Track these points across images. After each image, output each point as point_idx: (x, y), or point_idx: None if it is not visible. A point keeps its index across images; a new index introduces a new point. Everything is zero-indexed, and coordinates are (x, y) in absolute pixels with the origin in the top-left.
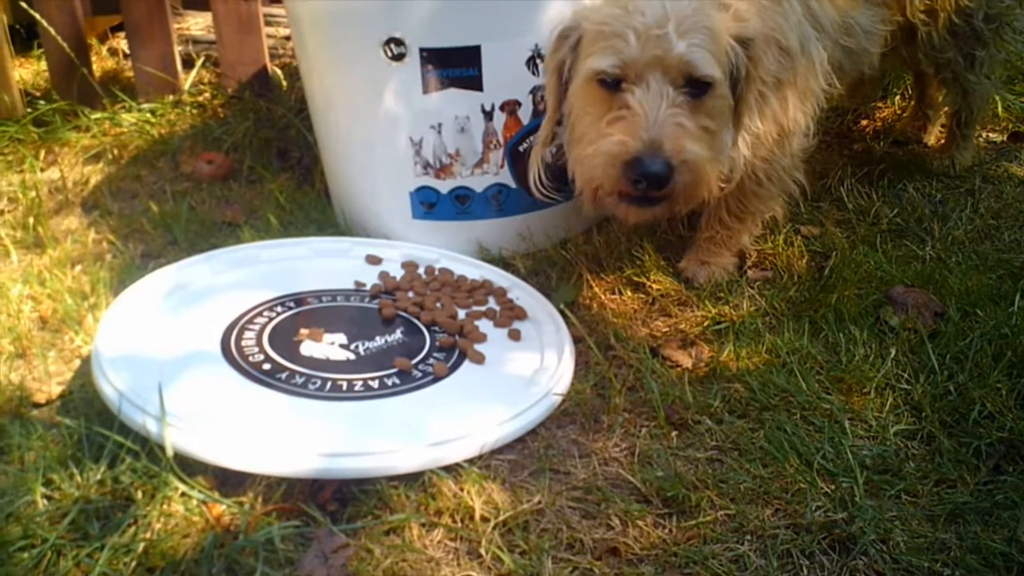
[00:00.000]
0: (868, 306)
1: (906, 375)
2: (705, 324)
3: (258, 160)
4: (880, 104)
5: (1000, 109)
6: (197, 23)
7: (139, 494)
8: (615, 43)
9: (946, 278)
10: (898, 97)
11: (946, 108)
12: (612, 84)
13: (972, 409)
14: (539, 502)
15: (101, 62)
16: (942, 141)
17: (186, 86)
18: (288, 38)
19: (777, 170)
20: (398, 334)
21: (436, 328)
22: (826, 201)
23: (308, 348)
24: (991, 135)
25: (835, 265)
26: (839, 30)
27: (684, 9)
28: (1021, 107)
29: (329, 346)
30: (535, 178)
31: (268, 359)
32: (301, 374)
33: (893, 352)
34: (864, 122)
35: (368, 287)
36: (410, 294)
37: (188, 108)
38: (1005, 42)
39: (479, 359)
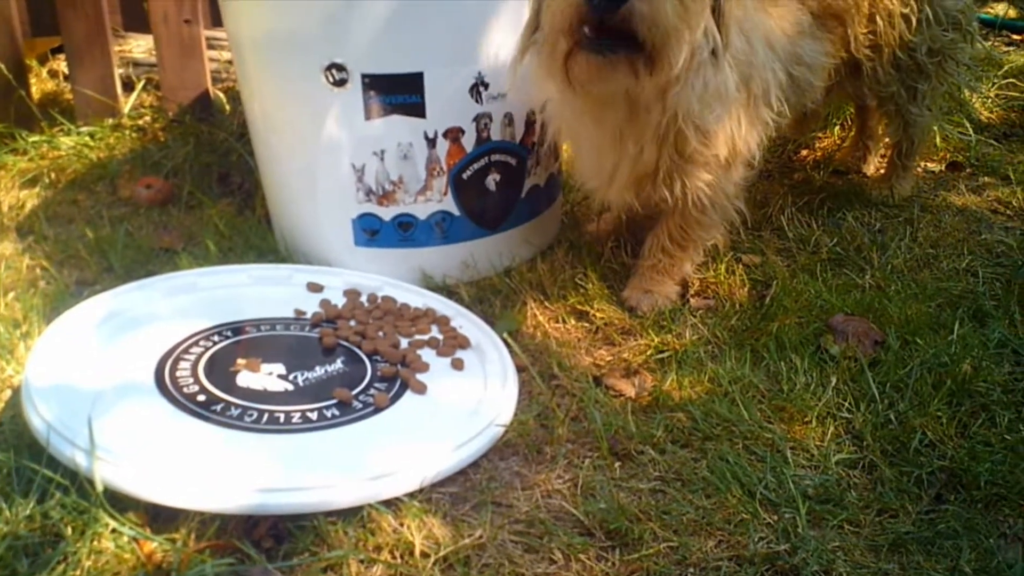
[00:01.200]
0: (809, 335)
1: (847, 404)
2: (648, 353)
3: (198, 185)
4: (820, 134)
5: (938, 140)
6: (139, 46)
7: (69, 530)
8: None
9: (886, 307)
10: (838, 127)
11: (887, 139)
12: None
13: (913, 438)
14: (481, 536)
15: (40, 84)
16: (881, 171)
17: (126, 109)
18: (231, 62)
19: (720, 197)
20: (339, 364)
21: (378, 357)
22: (767, 230)
23: (245, 379)
24: (929, 165)
25: (776, 294)
26: (790, 59)
27: None
28: (959, 137)
29: (267, 376)
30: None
31: (203, 390)
32: (237, 406)
33: (834, 381)
34: (804, 152)
35: (309, 315)
36: (352, 323)
37: (128, 132)
38: (947, 75)
39: (421, 389)
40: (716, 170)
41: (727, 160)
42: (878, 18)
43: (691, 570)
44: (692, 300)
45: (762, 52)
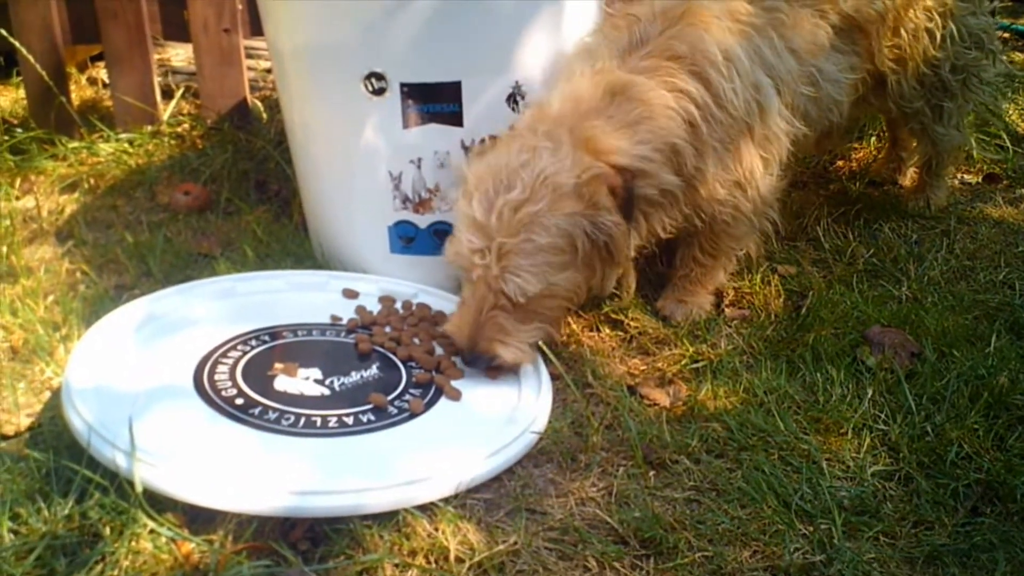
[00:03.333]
0: (845, 346)
1: (883, 415)
2: (683, 362)
3: (236, 192)
4: (856, 145)
5: (975, 152)
6: (178, 54)
7: (107, 530)
8: (459, 235)
9: (922, 318)
10: (874, 139)
11: (917, 156)
12: None
13: (949, 450)
14: (515, 543)
15: (80, 91)
16: (917, 182)
17: (165, 116)
18: (269, 71)
19: (744, 211)
20: (374, 369)
21: (413, 364)
22: (802, 241)
23: (282, 383)
24: (966, 176)
25: (812, 304)
26: (799, 79)
27: (511, 220)
28: (996, 149)
29: (303, 381)
30: None
31: (241, 394)
32: (274, 409)
33: (870, 392)
34: (840, 163)
35: (344, 321)
36: (387, 329)
37: (166, 139)
38: (972, 93)
39: (456, 396)
40: (732, 190)
41: (736, 183)
42: (903, 31)
43: None
44: (727, 310)
45: (746, 85)
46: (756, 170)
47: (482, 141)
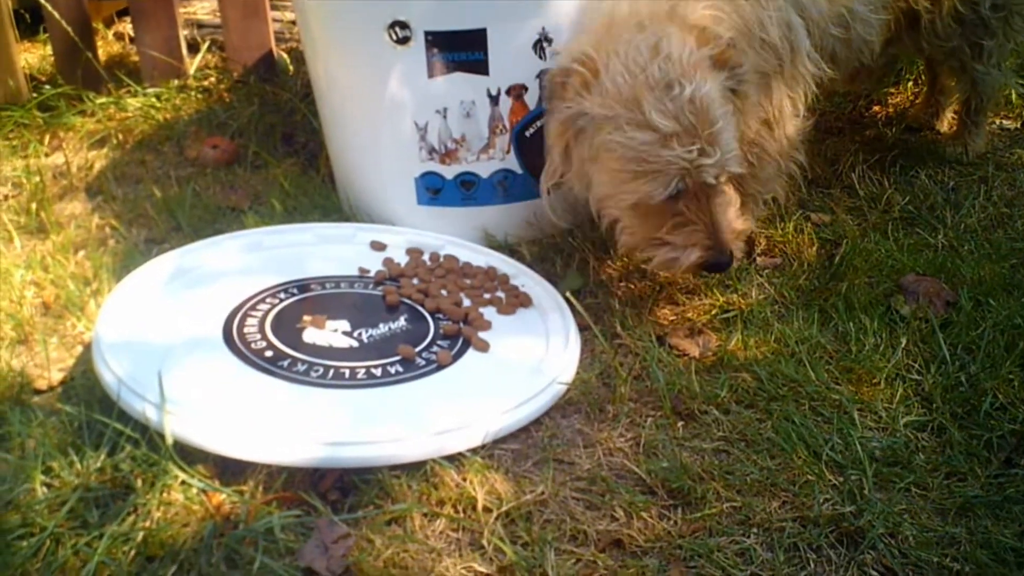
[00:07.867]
0: (879, 295)
1: (917, 365)
2: (713, 312)
3: (263, 145)
4: (892, 90)
5: (1014, 96)
6: (203, 7)
7: (139, 482)
8: (651, 173)
9: (958, 267)
10: (911, 83)
11: (956, 96)
12: None
13: (984, 400)
14: (542, 492)
15: (106, 47)
16: (954, 128)
17: (191, 71)
18: (295, 22)
19: (770, 151)
20: (402, 321)
21: (440, 315)
22: (837, 188)
23: (311, 335)
24: (1005, 122)
25: (846, 253)
26: (830, 19)
27: (702, 111)
28: None
29: (332, 333)
30: (548, 205)
31: (270, 346)
32: (303, 361)
33: (904, 342)
34: (876, 108)
35: (372, 273)
36: (414, 281)
37: (193, 93)
38: (1014, 32)
39: (483, 347)
40: (755, 130)
41: (767, 120)
42: None
43: (755, 530)
44: (759, 259)
45: (782, 21)
46: (785, 109)
47: (508, 90)
